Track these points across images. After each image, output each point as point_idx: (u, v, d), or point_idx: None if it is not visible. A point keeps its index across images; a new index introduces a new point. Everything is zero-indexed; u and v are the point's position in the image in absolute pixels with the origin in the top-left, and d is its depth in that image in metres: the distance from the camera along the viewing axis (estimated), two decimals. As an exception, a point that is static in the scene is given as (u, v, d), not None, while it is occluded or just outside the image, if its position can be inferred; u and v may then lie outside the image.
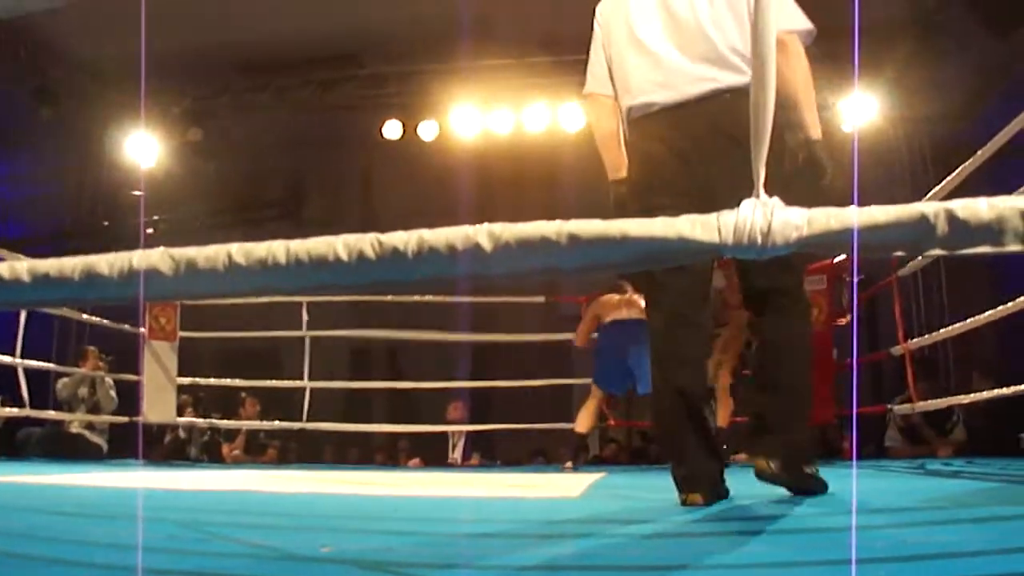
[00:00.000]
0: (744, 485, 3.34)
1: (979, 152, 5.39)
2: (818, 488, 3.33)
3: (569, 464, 7.55)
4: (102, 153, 11.48)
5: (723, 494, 3.23)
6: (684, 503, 3.10)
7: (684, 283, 3.37)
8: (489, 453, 9.84)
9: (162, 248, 1.39)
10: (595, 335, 7.94)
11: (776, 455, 3.25)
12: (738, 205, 1.34)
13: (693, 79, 3.40)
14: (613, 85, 3.63)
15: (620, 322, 7.52)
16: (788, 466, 3.26)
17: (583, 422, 7.69)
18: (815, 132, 3.32)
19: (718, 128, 3.28)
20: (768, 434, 3.34)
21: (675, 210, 1.42)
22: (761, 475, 3.26)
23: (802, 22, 3.45)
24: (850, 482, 4.44)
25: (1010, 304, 5.05)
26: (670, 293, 3.42)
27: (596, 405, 7.80)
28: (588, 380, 8.00)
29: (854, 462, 6.86)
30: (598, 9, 3.72)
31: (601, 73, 3.67)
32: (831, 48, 8.43)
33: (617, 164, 3.57)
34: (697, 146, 3.34)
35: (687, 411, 3.28)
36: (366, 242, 1.35)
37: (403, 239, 1.35)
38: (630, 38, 3.55)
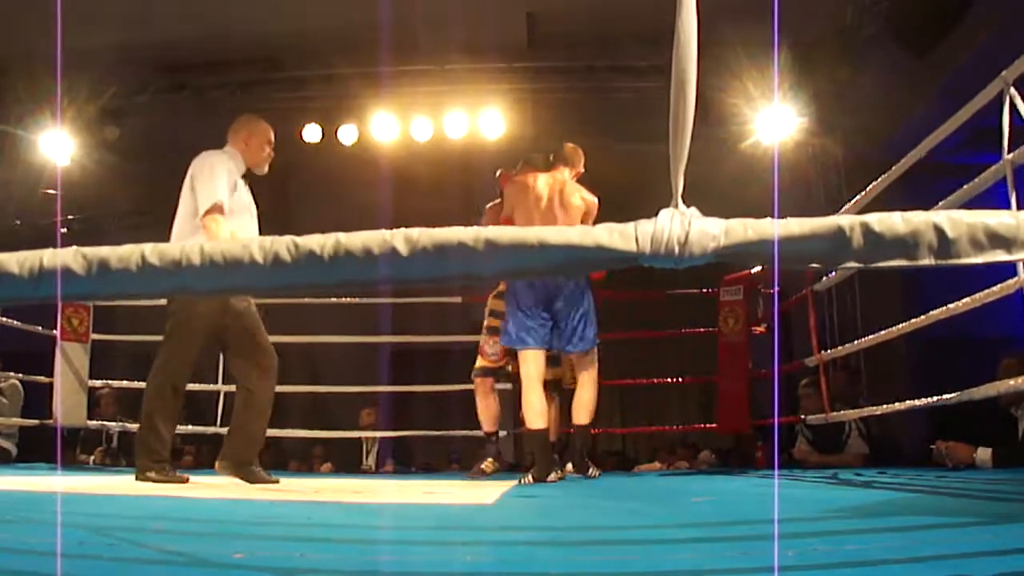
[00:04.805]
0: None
1: (894, 168, 5.46)
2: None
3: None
4: (14, 150, 11.22)
5: None
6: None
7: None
8: (404, 459, 9.77)
9: (74, 247, 1.37)
10: None
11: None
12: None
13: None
14: None
15: None
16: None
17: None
18: None
19: None
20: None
21: None
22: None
23: (214, 198, 5.10)
24: (765, 491, 4.49)
25: (923, 316, 5.13)
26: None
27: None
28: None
29: (775, 471, 6.93)
30: None
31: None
32: (754, 61, 8.60)
33: None
34: None
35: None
36: (282, 244, 1.34)
37: (319, 242, 1.34)
38: None
